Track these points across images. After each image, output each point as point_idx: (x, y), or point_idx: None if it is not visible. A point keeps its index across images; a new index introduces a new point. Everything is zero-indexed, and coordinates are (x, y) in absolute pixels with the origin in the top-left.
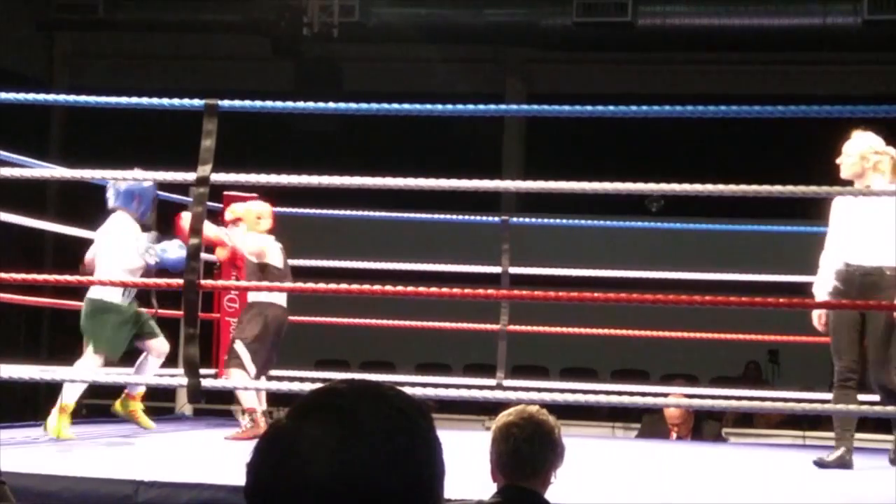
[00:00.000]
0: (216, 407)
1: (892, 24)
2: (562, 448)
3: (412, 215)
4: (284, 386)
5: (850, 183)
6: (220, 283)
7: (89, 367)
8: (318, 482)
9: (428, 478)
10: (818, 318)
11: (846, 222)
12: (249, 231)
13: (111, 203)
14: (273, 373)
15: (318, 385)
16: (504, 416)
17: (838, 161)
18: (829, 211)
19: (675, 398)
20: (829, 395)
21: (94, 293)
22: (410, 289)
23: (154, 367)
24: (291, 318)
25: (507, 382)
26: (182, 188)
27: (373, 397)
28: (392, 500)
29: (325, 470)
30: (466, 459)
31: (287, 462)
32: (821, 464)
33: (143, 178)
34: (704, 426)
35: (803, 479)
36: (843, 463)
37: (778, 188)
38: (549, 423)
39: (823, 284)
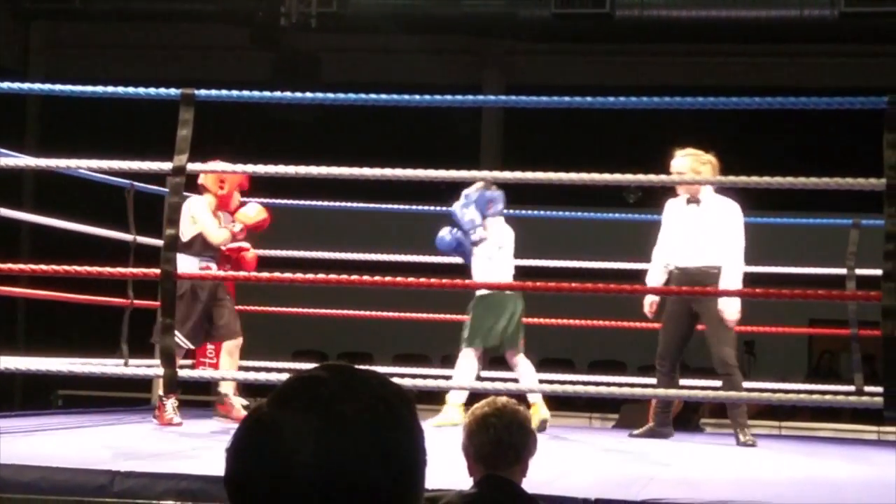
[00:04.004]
0: (193, 398)
1: (868, 17)
2: (535, 436)
3: (390, 206)
4: (262, 377)
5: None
6: (196, 273)
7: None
8: (298, 472)
9: (410, 467)
10: (649, 305)
11: (676, 228)
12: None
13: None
14: (250, 363)
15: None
16: (478, 409)
17: (672, 177)
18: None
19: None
20: (804, 386)
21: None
22: (388, 279)
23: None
24: (269, 308)
25: (486, 373)
26: (159, 178)
27: (354, 385)
28: (374, 490)
29: (306, 460)
30: (445, 450)
31: (267, 451)
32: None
33: (119, 167)
34: (692, 417)
35: (777, 467)
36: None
37: (755, 179)
38: (522, 411)
39: (656, 276)
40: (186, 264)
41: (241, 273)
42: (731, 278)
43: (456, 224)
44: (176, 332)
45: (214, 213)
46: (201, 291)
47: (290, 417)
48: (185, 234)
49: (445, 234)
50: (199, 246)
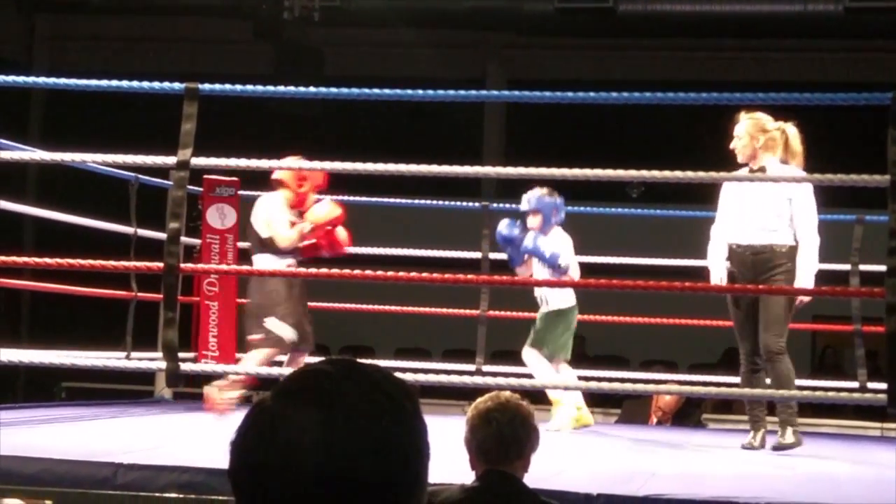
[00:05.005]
0: (195, 391)
1: (872, 12)
2: (538, 431)
3: (392, 200)
4: (264, 370)
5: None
6: (199, 266)
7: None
8: (302, 465)
9: (413, 462)
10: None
11: (737, 204)
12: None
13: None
14: None
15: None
16: (481, 403)
17: (731, 146)
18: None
19: (666, 386)
20: (807, 382)
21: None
22: (391, 273)
23: None
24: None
25: (487, 368)
26: (162, 172)
27: (358, 380)
28: (377, 483)
29: (310, 455)
30: (447, 444)
31: (271, 446)
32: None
33: (123, 161)
34: (694, 413)
35: (779, 463)
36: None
37: (759, 175)
38: (525, 407)
39: (718, 255)
40: (271, 264)
41: (244, 268)
42: (808, 257)
43: (513, 241)
44: (283, 324)
45: (290, 209)
46: (302, 293)
47: (293, 411)
48: (264, 233)
49: (504, 227)
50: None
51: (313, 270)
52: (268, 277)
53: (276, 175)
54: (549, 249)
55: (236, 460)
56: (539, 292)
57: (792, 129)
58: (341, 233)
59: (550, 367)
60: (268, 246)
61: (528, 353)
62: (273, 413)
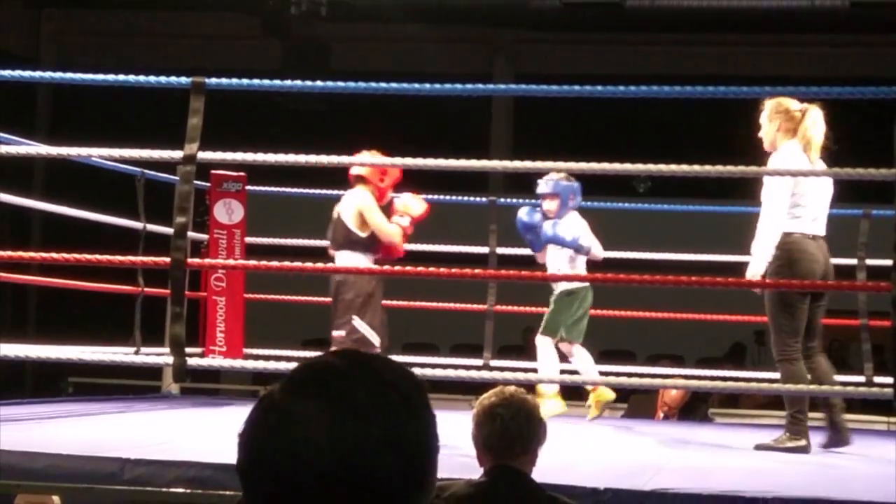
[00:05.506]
0: (202, 386)
1: (879, 6)
2: (545, 425)
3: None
4: (271, 365)
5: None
6: (206, 261)
7: None
8: (311, 462)
9: (422, 453)
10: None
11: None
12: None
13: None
14: (258, 352)
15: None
16: (486, 399)
17: (760, 135)
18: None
19: (674, 381)
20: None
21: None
22: (398, 268)
23: None
24: (278, 297)
25: (494, 362)
26: (169, 166)
27: (366, 372)
28: (386, 477)
29: (319, 450)
30: (455, 439)
31: (280, 440)
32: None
33: (130, 156)
34: (700, 407)
35: (786, 457)
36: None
37: (764, 169)
38: (531, 401)
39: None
40: (360, 262)
41: (251, 263)
42: (757, 242)
43: (534, 224)
44: (368, 326)
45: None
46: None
47: (301, 405)
48: (361, 232)
49: (524, 214)
50: (375, 243)
51: (320, 266)
52: (357, 276)
53: (356, 171)
54: (568, 234)
55: (244, 455)
56: (551, 272)
57: (814, 113)
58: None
59: (554, 355)
60: (357, 244)
61: (540, 340)
62: (281, 407)
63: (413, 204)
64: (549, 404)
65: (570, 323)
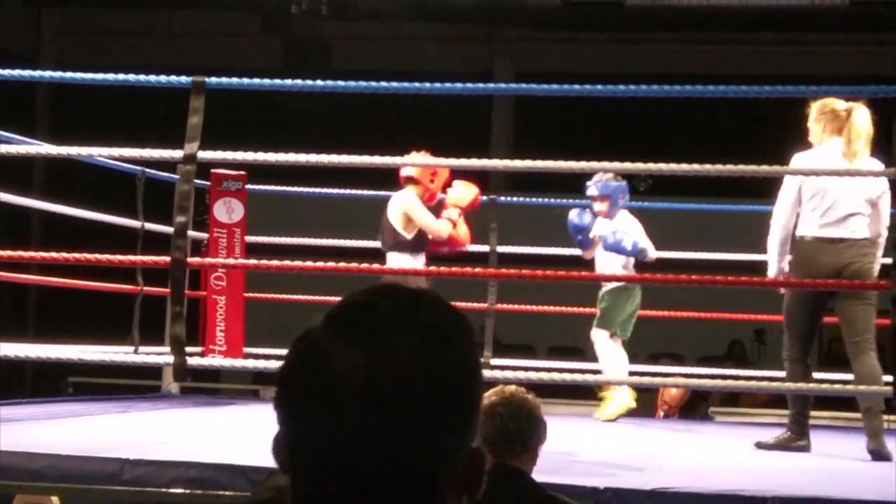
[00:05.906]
0: (202, 385)
1: (878, 5)
2: (544, 424)
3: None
4: (271, 365)
5: None
6: (206, 260)
7: None
8: (347, 404)
9: (459, 398)
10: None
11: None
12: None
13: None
14: (263, 351)
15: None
16: (485, 398)
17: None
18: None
19: (673, 379)
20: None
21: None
22: (398, 268)
23: None
24: (283, 296)
25: (494, 361)
26: (169, 166)
27: (406, 314)
28: (421, 423)
29: (355, 393)
30: None
31: (318, 379)
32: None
33: (130, 155)
34: (701, 406)
35: (786, 456)
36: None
37: (765, 168)
38: (531, 400)
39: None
40: (408, 263)
41: (251, 262)
42: (768, 247)
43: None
44: None
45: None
46: None
47: (341, 349)
48: (406, 233)
49: (574, 216)
50: (421, 243)
51: (321, 264)
52: (403, 277)
53: (407, 172)
54: (629, 241)
55: (283, 390)
56: (600, 270)
57: (860, 112)
58: (462, 228)
59: (620, 348)
60: (403, 244)
61: (597, 333)
62: (321, 347)
63: (461, 194)
64: (620, 397)
65: (620, 318)
